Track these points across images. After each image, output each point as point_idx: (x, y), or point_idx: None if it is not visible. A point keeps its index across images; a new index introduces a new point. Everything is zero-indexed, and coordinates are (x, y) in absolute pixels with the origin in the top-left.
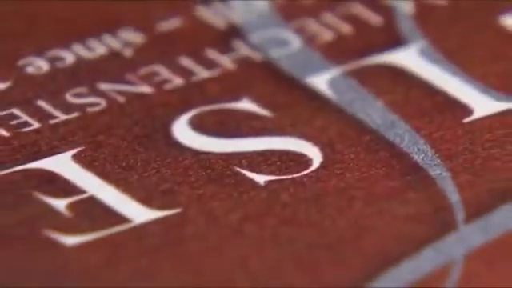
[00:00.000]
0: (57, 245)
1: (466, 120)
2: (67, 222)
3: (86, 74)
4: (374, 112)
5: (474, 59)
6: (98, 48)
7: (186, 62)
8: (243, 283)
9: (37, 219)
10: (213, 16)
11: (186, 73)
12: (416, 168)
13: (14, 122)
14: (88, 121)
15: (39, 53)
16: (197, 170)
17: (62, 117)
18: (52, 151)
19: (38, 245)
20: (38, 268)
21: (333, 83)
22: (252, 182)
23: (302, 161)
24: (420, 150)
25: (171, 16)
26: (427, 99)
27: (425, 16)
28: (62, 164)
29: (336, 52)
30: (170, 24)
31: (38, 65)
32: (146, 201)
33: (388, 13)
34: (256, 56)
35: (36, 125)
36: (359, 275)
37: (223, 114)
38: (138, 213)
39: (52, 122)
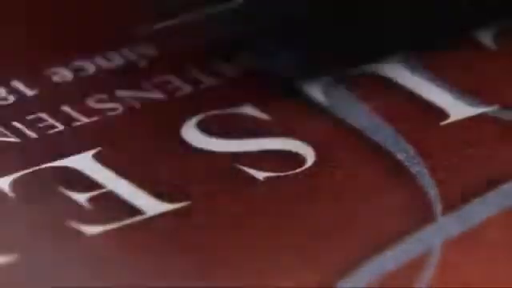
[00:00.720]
0: (79, 234)
1: (443, 123)
2: (88, 214)
3: (106, 82)
4: (361, 115)
5: (450, 69)
6: (116, 59)
7: (195, 71)
8: (245, 268)
9: (61, 211)
10: None
11: (195, 81)
12: (398, 166)
13: (41, 125)
14: (107, 124)
15: (64, 64)
16: (204, 167)
17: (84, 120)
18: (75, 151)
19: (62, 234)
20: (62, 254)
21: (325, 90)
22: (253, 178)
23: (297, 159)
24: (402, 150)
25: None
26: (408, 104)
27: None
28: (84, 162)
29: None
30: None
31: (63, 74)
32: (158, 195)
33: None
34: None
35: (61, 127)
36: (348, 262)
37: (227, 118)
38: (151, 206)
39: (75, 124)
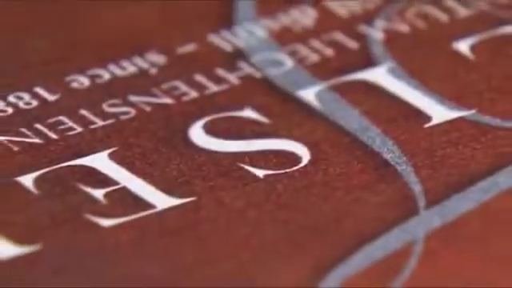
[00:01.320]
0: (96, 226)
1: (426, 125)
2: (104, 208)
3: (120, 88)
4: (351, 119)
5: (432, 76)
6: (129, 67)
7: (200, 78)
8: (246, 258)
9: (80, 206)
10: (222, 42)
11: (200, 87)
12: (386, 164)
13: (61, 127)
14: (121, 126)
15: (82, 71)
16: (209, 165)
17: (100, 123)
18: (92, 151)
19: (80, 226)
20: (80, 244)
21: (319, 95)
22: (253, 175)
23: (293, 158)
24: (389, 150)
25: (188, 42)
26: (394, 108)
27: (392, 42)
28: (100, 161)
29: (321, 70)
30: (188, 48)
31: (81, 81)
32: (168, 191)
33: (363, 39)
34: (256, 74)
35: (79, 129)
36: (340, 251)
37: (230, 120)
38: (161, 200)
39: (92, 127)
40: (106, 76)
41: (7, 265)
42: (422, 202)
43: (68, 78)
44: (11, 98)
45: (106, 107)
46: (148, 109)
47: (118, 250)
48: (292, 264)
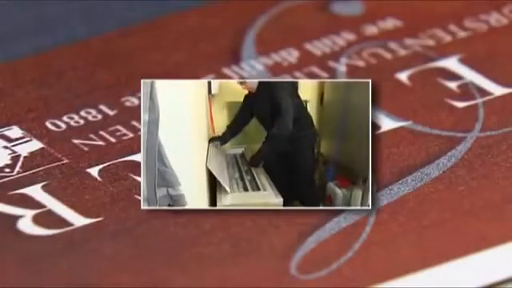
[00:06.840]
0: (136, 200)
1: (378, 132)
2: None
3: None
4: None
5: (380, 97)
6: None
7: None
8: (256, 224)
9: (130, 188)
10: (231, 73)
11: None
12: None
13: (118, 134)
14: None
15: (133, 94)
16: None
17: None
18: (139, 150)
19: (130, 203)
20: (130, 216)
21: None
22: None
23: None
24: None
25: (209, 73)
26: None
27: (352, 73)
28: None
29: None
30: (208, 77)
31: (132, 101)
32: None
33: (331, 71)
34: None
35: (131, 135)
36: (316, 221)
37: None
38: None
39: (140, 133)
40: None
41: (79, 230)
42: (374, 188)
43: (123, 99)
44: (82, 113)
45: None
46: None
47: (150, 221)
48: (283, 232)
